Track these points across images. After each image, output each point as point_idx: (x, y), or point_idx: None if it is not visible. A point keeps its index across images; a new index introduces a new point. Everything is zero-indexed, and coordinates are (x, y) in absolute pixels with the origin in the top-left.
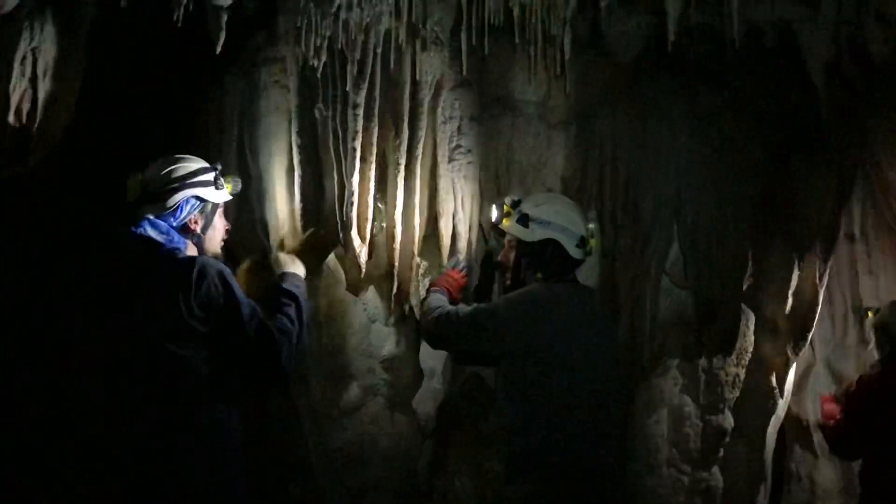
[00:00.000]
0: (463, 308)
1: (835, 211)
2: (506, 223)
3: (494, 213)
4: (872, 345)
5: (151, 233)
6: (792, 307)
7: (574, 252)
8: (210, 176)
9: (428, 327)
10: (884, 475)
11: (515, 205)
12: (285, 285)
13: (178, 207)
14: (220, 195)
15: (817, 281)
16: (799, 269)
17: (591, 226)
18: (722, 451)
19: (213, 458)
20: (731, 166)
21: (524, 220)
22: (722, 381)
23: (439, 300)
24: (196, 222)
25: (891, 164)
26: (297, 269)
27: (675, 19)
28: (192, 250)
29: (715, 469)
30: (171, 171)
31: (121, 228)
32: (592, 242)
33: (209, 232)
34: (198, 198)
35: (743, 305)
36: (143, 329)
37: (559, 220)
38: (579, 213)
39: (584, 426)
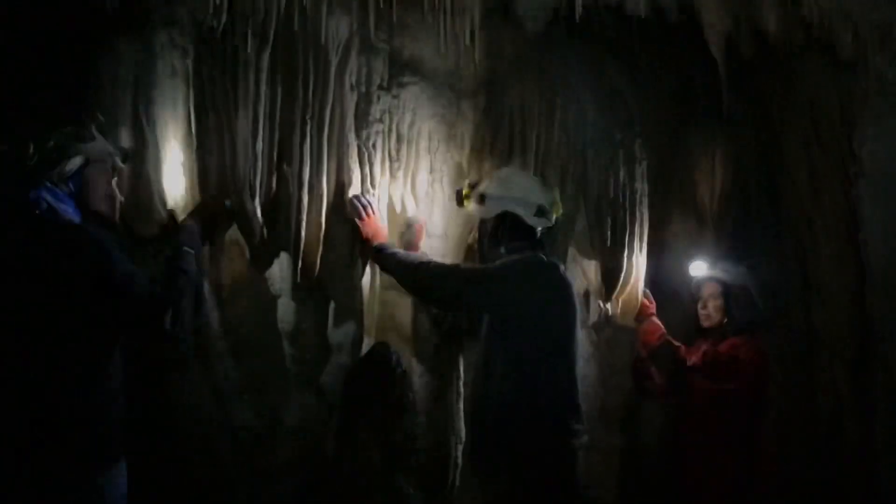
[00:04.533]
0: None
1: (732, 184)
2: (466, 206)
3: (456, 199)
4: (714, 305)
5: (44, 195)
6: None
7: (532, 221)
8: (82, 132)
9: (416, 278)
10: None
11: (472, 187)
12: (177, 263)
13: (77, 173)
14: (93, 149)
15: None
16: (697, 239)
17: (555, 194)
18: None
19: (82, 440)
20: (635, 140)
21: (480, 198)
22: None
23: (413, 255)
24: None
25: (786, 138)
26: (191, 239)
27: None
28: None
29: (616, 430)
30: (69, 136)
31: (16, 195)
32: (556, 210)
33: (90, 192)
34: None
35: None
36: (23, 301)
37: (514, 192)
38: (538, 183)
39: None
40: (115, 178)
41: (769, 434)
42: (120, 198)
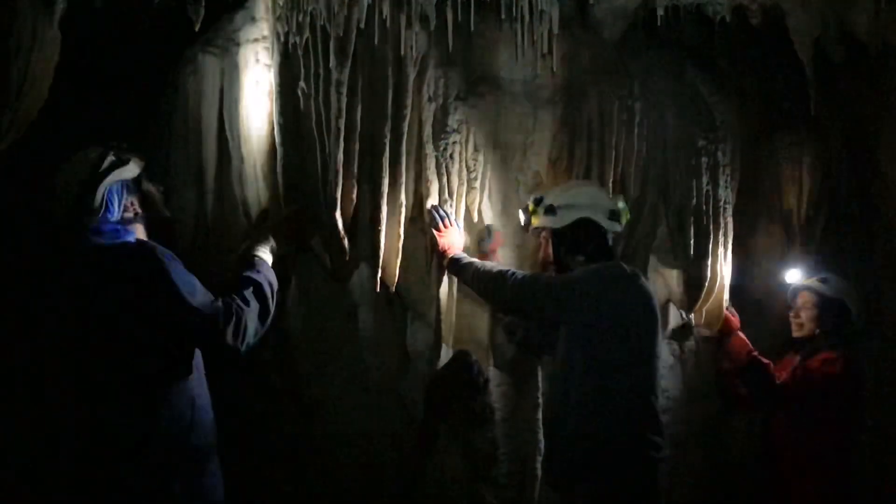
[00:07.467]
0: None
1: (820, 191)
2: (535, 222)
3: (522, 218)
4: (808, 315)
5: (96, 239)
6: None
7: (607, 224)
8: (113, 157)
9: (494, 288)
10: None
11: (538, 202)
12: (245, 272)
13: (108, 203)
14: (133, 167)
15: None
16: (787, 248)
17: (621, 205)
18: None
19: (175, 453)
20: (718, 145)
21: (550, 210)
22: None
23: (490, 265)
24: (133, 204)
25: (879, 143)
26: (264, 252)
27: None
28: (141, 233)
29: (701, 446)
30: (77, 176)
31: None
32: (625, 215)
33: (149, 203)
34: (119, 182)
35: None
36: (103, 334)
37: (583, 199)
38: (603, 190)
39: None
40: (147, 191)
41: (865, 452)
42: (166, 213)
